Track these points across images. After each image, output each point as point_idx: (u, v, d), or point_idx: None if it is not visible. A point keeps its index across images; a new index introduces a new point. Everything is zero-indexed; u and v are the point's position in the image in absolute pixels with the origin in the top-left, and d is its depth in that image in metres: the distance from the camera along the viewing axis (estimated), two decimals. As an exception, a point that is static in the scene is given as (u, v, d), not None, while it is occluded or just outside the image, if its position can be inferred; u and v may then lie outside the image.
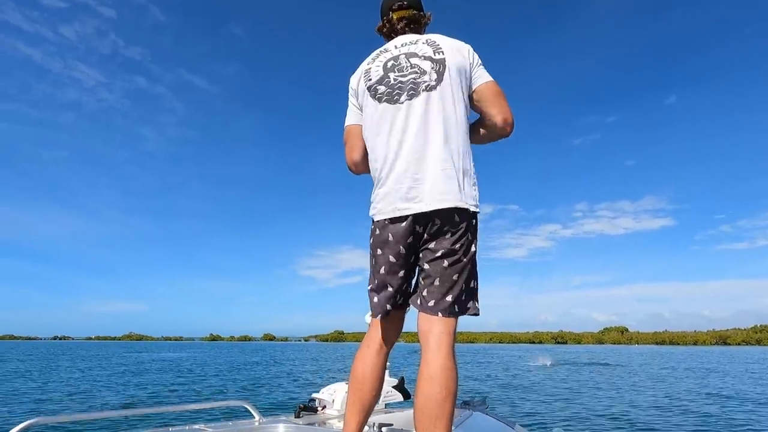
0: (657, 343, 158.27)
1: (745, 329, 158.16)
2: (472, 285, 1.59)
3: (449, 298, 1.53)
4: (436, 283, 1.55)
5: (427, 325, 1.54)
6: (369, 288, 1.70)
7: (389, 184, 1.59)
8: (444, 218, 1.53)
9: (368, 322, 1.63)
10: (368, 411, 1.65)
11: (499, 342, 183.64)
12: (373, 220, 1.67)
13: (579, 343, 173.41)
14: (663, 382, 15.22)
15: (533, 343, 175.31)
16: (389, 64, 1.68)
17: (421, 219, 1.54)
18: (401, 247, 1.58)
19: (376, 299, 1.66)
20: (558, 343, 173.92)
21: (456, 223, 1.53)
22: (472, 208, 1.56)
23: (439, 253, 1.55)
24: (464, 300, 1.56)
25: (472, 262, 1.59)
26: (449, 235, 1.54)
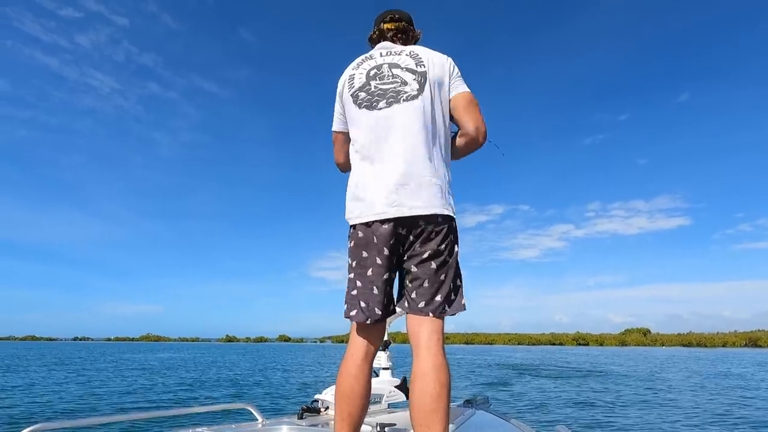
0: (683, 345, 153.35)
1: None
2: (458, 283, 1.65)
3: (439, 298, 1.59)
4: (425, 284, 1.59)
5: (416, 326, 1.58)
6: (352, 294, 1.67)
7: (370, 189, 1.63)
8: (427, 222, 1.59)
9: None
10: (359, 423, 1.64)
11: (518, 344, 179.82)
12: (351, 225, 1.70)
13: (601, 344, 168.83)
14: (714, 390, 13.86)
15: (553, 344, 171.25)
16: (372, 72, 1.74)
17: (405, 222, 1.59)
18: (385, 248, 1.61)
19: (363, 303, 1.64)
20: (579, 344, 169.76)
21: (439, 224, 1.60)
22: (451, 214, 1.64)
23: (426, 255, 1.60)
24: (452, 299, 1.62)
25: (457, 261, 1.66)
26: (434, 235, 1.59)
